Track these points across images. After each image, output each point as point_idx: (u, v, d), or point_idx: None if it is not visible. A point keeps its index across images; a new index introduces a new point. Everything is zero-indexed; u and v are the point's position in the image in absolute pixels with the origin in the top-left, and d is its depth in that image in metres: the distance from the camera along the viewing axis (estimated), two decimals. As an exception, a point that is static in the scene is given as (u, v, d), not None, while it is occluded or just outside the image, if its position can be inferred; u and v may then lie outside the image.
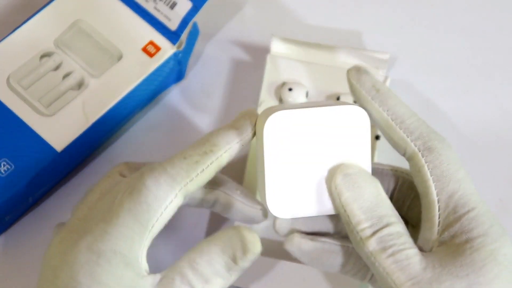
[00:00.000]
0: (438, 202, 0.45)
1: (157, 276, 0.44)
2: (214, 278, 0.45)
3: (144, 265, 0.45)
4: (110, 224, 0.44)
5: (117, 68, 0.58)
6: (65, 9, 0.60)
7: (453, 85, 0.64)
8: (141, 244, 0.44)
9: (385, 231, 0.44)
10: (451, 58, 0.65)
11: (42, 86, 0.58)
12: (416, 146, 0.46)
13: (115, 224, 0.44)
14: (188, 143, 0.60)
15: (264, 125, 0.45)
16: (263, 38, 0.64)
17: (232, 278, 0.46)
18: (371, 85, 0.47)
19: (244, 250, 0.46)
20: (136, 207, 0.44)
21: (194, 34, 0.62)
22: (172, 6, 0.59)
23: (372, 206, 0.45)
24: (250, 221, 0.51)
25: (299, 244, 0.47)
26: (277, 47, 0.62)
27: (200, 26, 0.63)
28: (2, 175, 0.54)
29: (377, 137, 0.59)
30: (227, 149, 0.47)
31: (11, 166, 0.55)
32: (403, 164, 0.48)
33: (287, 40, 0.62)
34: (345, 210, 0.45)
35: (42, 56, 0.59)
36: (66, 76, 0.58)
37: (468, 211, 0.44)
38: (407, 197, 0.50)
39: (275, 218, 0.47)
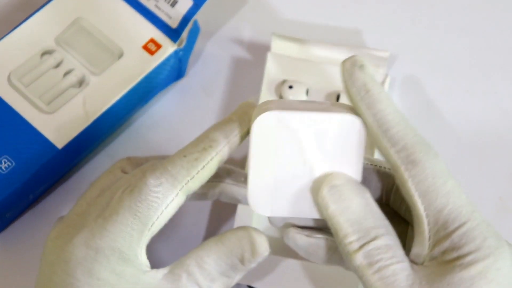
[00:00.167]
0: (427, 217, 0.43)
1: (161, 271, 0.44)
2: (220, 278, 0.45)
3: (144, 261, 0.44)
4: (109, 221, 0.44)
5: (117, 65, 0.58)
6: (66, 7, 0.60)
7: (453, 83, 0.64)
8: (140, 242, 0.44)
9: (372, 245, 0.43)
10: (451, 57, 0.65)
11: (43, 83, 0.58)
12: (399, 158, 0.44)
13: (114, 221, 0.44)
14: (188, 141, 0.60)
15: (253, 123, 0.44)
16: (264, 36, 0.64)
17: (237, 277, 0.46)
18: (362, 84, 0.44)
19: (253, 251, 0.45)
20: (137, 205, 0.44)
21: (194, 32, 0.62)
22: (173, 4, 0.59)
23: (359, 219, 0.43)
24: None
25: (294, 239, 0.47)
26: (278, 45, 0.62)
27: (201, 24, 0.63)
28: (3, 172, 0.54)
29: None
30: (226, 143, 0.46)
31: (11, 163, 0.55)
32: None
33: (287, 38, 0.62)
34: (332, 223, 0.44)
35: (43, 54, 0.59)
36: (67, 73, 0.58)
37: (459, 226, 0.43)
38: (404, 199, 0.48)
39: None
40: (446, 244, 0.43)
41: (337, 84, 0.61)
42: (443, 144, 0.61)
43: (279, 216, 0.46)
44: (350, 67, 0.45)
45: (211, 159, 0.46)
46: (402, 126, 0.44)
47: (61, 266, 0.44)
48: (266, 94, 0.60)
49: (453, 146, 0.61)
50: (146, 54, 0.59)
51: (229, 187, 0.51)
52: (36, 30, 0.59)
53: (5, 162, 0.55)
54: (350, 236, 0.43)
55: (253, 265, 0.46)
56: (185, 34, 0.60)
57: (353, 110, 0.45)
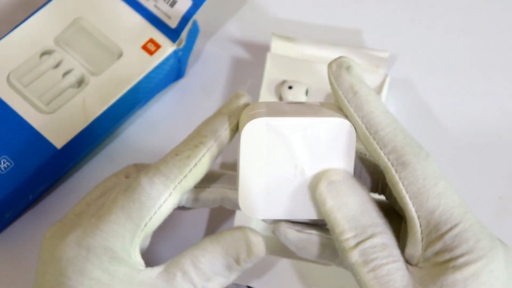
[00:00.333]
0: (419, 218, 0.43)
1: (155, 270, 0.44)
2: (215, 277, 0.45)
3: (138, 260, 0.44)
4: (102, 220, 0.44)
5: (117, 65, 0.58)
6: (65, 7, 0.60)
7: (453, 83, 0.64)
8: (133, 242, 0.44)
9: (368, 243, 0.42)
10: (451, 57, 0.65)
11: (42, 83, 0.58)
12: (389, 160, 0.43)
13: (107, 221, 0.44)
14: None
15: (242, 129, 0.44)
16: (263, 36, 0.64)
17: (232, 277, 0.46)
18: (349, 86, 0.44)
19: (249, 252, 0.45)
20: (130, 205, 0.44)
21: (194, 32, 0.62)
22: (172, 4, 0.59)
23: (356, 215, 0.43)
24: None
25: (285, 234, 0.46)
26: (277, 45, 0.62)
27: (200, 24, 0.63)
28: (2, 172, 0.54)
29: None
30: (217, 138, 0.46)
31: (11, 163, 0.55)
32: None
33: (287, 38, 0.62)
34: (329, 219, 0.44)
35: (43, 54, 0.59)
36: (66, 73, 0.58)
37: (451, 228, 0.42)
38: None
39: None
40: (438, 245, 0.42)
41: (337, 84, 0.61)
42: (443, 144, 0.61)
43: (269, 218, 0.46)
44: (336, 69, 0.45)
45: (202, 156, 0.45)
46: (391, 128, 0.44)
47: (53, 265, 0.44)
48: (265, 94, 0.60)
49: (453, 146, 0.61)
50: (145, 54, 0.59)
51: (231, 192, 0.50)
52: (36, 30, 0.59)
53: (4, 162, 0.55)
54: (346, 232, 0.43)
55: (249, 265, 0.46)
56: (184, 34, 0.60)
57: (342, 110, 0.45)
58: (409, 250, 0.44)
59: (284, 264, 0.55)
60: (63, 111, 0.57)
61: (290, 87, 0.60)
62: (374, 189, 0.48)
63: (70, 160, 0.57)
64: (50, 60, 0.58)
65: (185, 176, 0.45)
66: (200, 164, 0.45)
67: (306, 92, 0.60)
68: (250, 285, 0.54)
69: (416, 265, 0.43)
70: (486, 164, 0.61)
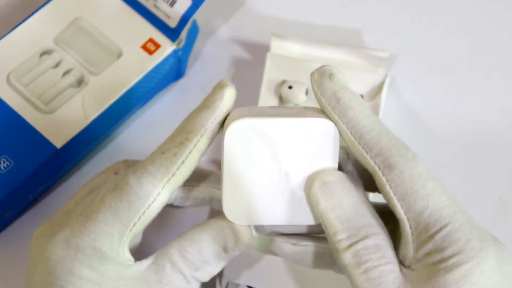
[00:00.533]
0: (408, 220, 0.43)
1: (144, 262, 0.44)
2: (204, 266, 0.45)
3: (127, 257, 0.44)
4: (90, 220, 0.44)
5: (116, 65, 0.58)
6: (65, 7, 0.60)
7: (453, 83, 0.64)
8: (121, 242, 0.44)
9: (362, 244, 0.42)
10: (451, 57, 0.65)
11: (42, 83, 0.58)
12: (376, 163, 0.43)
13: (95, 220, 0.44)
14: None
15: (225, 131, 0.44)
16: (263, 36, 0.64)
17: (221, 265, 0.46)
18: (332, 93, 0.44)
19: (236, 240, 0.45)
20: (117, 205, 0.44)
21: (193, 32, 0.62)
22: (172, 3, 0.59)
23: (350, 216, 0.43)
24: None
25: (280, 248, 0.47)
26: (277, 45, 0.62)
27: (200, 24, 0.63)
28: (2, 172, 0.54)
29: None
30: (203, 133, 0.45)
31: (10, 163, 0.55)
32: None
33: (287, 38, 0.62)
34: (323, 220, 0.43)
35: (42, 54, 0.59)
36: (65, 73, 0.58)
37: (441, 229, 0.42)
38: None
39: None
40: (429, 246, 0.42)
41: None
42: (443, 144, 0.61)
43: (257, 225, 0.46)
44: (318, 77, 0.45)
45: (189, 153, 0.45)
46: (376, 132, 0.44)
47: (42, 265, 0.44)
48: (265, 94, 0.60)
49: (453, 146, 0.61)
50: (145, 53, 0.59)
51: (219, 194, 0.50)
52: (35, 30, 0.59)
53: (4, 162, 0.55)
54: (339, 234, 0.43)
55: (236, 253, 0.46)
56: (184, 34, 0.60)
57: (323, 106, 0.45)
58: (401, 251, 0.44)
59: (284, 263, 0.55)
60: (63, 111, 0.57)
61: (290, 87, 0.60)
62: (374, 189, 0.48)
63: (69, 160, 0.57)
64: (50, 60, 0.58)
65: (173, 175, 0.44)
66: (188, 161, 0.45)
67: (306, 92, 0.60)
68: (250, 284, 0.54)
69: (409, 266, 0.43)
70: (486, 164, 0.61)
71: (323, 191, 0.44)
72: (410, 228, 0.43)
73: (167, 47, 0.59)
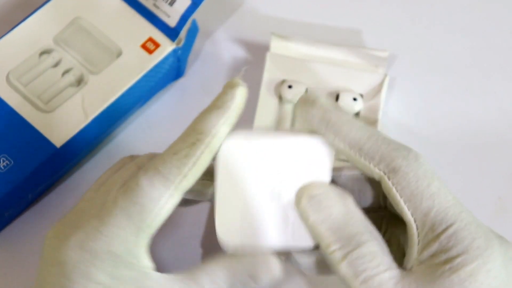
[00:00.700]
0: (415, 221, 0.43)
1: (166, 277, 0.43)
2: None
3: (146, 263, 0.44)
4: (103, 223, 0.43)
5: (116, 64, 0.58)
6: (64, 6, 0.60)
7: (452, 83, 0.64)
8: (137, 245, 0.43)
9: (356, 253, 0.42)
10: (451, 57, 0.65)
11: (41, 82, 0.58)
12: (380, 170, 0.44)
13: (108, 224, 0.43)
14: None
15: (219, 151, 0.44)
16: (263, 36, 0.64)
17: None
18: (320, 118, 0.45)
19: (266, 270, 0.45)
20: (130, 208, 0.43)
21: (193, 31, 0.62)
22: (171, 3, 0.60)
23: (341, 226, 0.43)
24: None
25: (296, 260, 0.47)
26: (277, 45, 0.62)
27: (200, 24, 0.63)
28: (2, 171, 0.54)
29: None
30: (215, 134, 0.44)
31: (10, 162, 0.55)
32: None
33: (286, 38, 0.62)
34: (314, 233, 0.43)
35: (42, 53, 0.59)
36: (65, 72, 0.58)
37: (446, 228, 0.42)
38: None
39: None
40: (434, 247, 0.42)
41: (337, 84, 0.61)
42: (442, 144, 0.61)
43: (248, 246, 0.45)
44: (302, 107, 0.45)
45: (201, 153, 0.44)
46: (373, 140, 0.44)
47: (57, 268, 0.43)
48: (265, 94, 0.60)
49: (452, 146, 0.61)
50: (144, 53, 0.59)
51: None
52: (35, 29, 0.59)
53: (3, 161, 0.55)
54: (332, 245, 0.43)
55: (265, 285, 0.45)
56: (183, 33, 0.60)
57: (316, 132, 0.45)
58: (408, 254, 0.44)
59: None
60: (63, 110, 0.57)
61: (289, 87, 0.60)
62: (377, 204, 0.48)
63: (69, 159, 0.57)
64: (49, 59, 0.58)
65: (184, 176, 0.44)
66: (199, 162, 0.44)
67: (306, 92, 0.60)
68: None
69: (411, 269, 0.43)
70: (486, 164, 0.61)
71: (311, 205, 0.43)
72: (417, 229, 0.43)
73: (167, 47, 0.59)
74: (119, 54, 0.59)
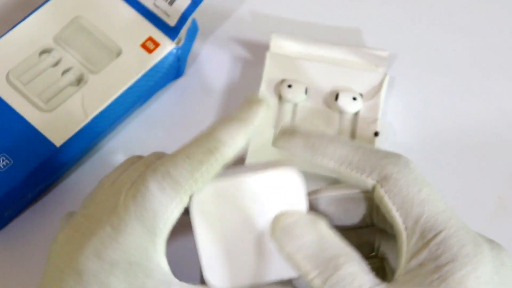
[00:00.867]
0: (406, 230, 0.43)
1: (187, 286, 0.43)
2: None
3: (167, 270, 0.43)
4: (118, 231, 0.42)
5: (116, 64, 0.58)
6: (64, 5, 0.60)
7: (452, 83, 0.64)
8: (156, 251, 0.43)
9: (336, 277, 0.41)
10: (451, 57, 0.65)
11: (41, 82, 0.58)
12: (373, 179, 0.44)
13: (123, 232, 0.42)
14: (186, 140, 0.60)
15: (191, 199, 0.44)
16: (263, 35, 0.64)
17: None
18: (304, 145, 0.45)
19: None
20: (142, 214, 0.42)
21: (193, 31, 0.62)
22: (171, 2, 0.60)
23: (316, 252, 0.42)
24: None
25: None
26: (277, 44, 0.62)
27: (199, 23, 0.63)
28: (1, 170, 0.54)
29: (376, 134, 0.59)
30: (232, 145, 0.44)
31: (10, 161, 0.55)
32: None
33: (286, 37, 0.62)
34: (292, 263, 0.43)
35: (42, 52, 0.59)
36: (65, 72, 0.58)
37: (435, 235, 0.42)
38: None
39: None
40: (423, 254, 0.42)
41: (336, 83, 0.61)
42: (442, 143, 0.61)
43: (241, 286, 0.45)
44: (283, 139, 0.46)
45: (215, 161, 0.44)
46: (361, 152, 0.45)
47: (73, 277, 0.43)
48: (265, 94, 0.60)
49: (452, 146, 0.61)
50: (144, 52, 0.59)
51: None
52: (35, 29, 0.59)
53: (3, 160, 0.55)
54: (311, 272, 0.42)
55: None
56: (183, 32, 0.60)
57: (286, 163, 0.45)
58: (398, 265, 0.43)
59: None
60: (62, 109, 0.57)
61: (289, 86, 0.60)
62: (364, 222, 0.48)
63: (69, 159, 0.57)
64: (49, 59, 0.58)
65: (195, 181, 0.43)
66: (212, 169, 0.44)
67: (306, 91, 0.60)
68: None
69: (397, 279, 0.42)
70: (485, 164, 0.61)
71: (283, 235, 0.43)
72: (407, 238, 0.43)
73: (167, 46, 0.59)
74: (119, 53, 0.59)
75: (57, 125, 0.56)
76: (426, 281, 0.41)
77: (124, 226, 0.42)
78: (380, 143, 0.59)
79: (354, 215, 0.48)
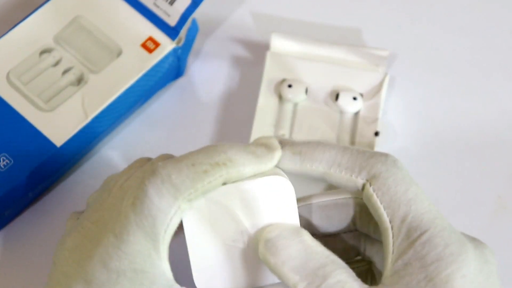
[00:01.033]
0: (392, 229, 0.43)
1: None
2: None
3: (170, 276, 0.43)
4: (122, 241, 0.42)
5: (116, 64, 0.58)
6: (64, 5, 0.60)
7: (452, 83, 0.64)
8: (160, 258, 0.42)
9: (325, 286, 0.41)
10: (451, 56, 0.65)
11: (41, 82, 0.58)
12: (363, 179, 0.44)
13: (127, 241, 0.42)
14: (187, 140, 0.61)
15: (183, 216, 0.43)
16: (263, 35, 0.64)
17: None
18: (291, 154, 0.45)
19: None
20: (142, 221, 0.42)
21: (193, 31, 0.62)
22: (171, 2, 0.60)
23: (302, 264, 0.42)
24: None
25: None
26: (277, 44, 0.62)
27: (200, 23, 0.63)
28: (2, 170, 0.54)
29: (376, 134, 0.59)
30: (240, 170, 0.43)
31: (10, 161, 0.55)
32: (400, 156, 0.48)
33: (287, 37, 0.62)
34: (279, 276, 0.42)
35: (42, 52, 0.59)
36: (65, 71, 0.58)
37: (421, 235, 0.42)
38: (370, 221, 0.47)
39: None
40: (409, 254, 0.42)
41: (337, 83, 0.61)
42: (442, 143, 0.61)
43: None
44: (269, 154, 0.45)
45: (220, 177, 0.43)
46: (348, 153, 0.45)
47: (82, 285, 0.43)
48: (265, 93, 0.60)
49: (452, 146, 0.61)
50: (144, 52, 0.59)
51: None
52: (35, 28, 0.59)
53: (3, 160, 0.55)
54: (299, 284, 0.42)
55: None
56: (183, 32, 0.60)
57: (275, 171, 0.45)
58: (384, 267, 0.43)
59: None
60: (63, 109, 0.57)
61: (289, 86, 0.60)
62: (347, 228, 0.48)
63: (69, 158, 0.57)
64: (50, 59, 0.58)
65: (195, 190, 0.43)
66: (214, 183, 0.43)
67: (306, 91, 0.60)
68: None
69: (384, 282, 0.42)
70: (485, 164, 0.61)
71: (268, 249, 0.43)
72: (393, 237, 0.43)
73: (167, 46, 0.59)
74: (119, 53, 0.59)
75: (58, 125, 0.56)
76: (413, 282, 0.41)
77: (126, 235, 0.42)
78: (380, 143, 0.59)
79: (337, 221, 0.48)
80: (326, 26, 0.66)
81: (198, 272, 0.44)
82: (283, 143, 0.46)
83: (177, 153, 0.50)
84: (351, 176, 0.44)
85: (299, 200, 0.47)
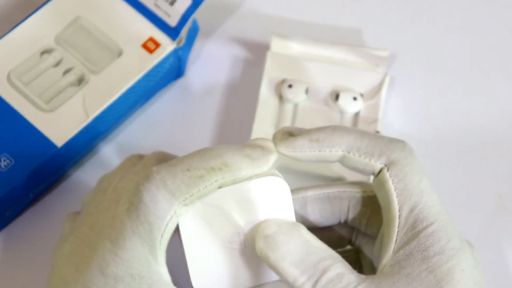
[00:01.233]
0: (399, 217, 0.43)
1: None
2: None
3: (168, 280, 0.43)
4: (118, 247, 0.42)
5: (117, 64, 0.58)
6: (65, 6, 0.60)
7: (452, 83, 0.64)
8: (157, 262, 0.42)
9: (325, 279, 0.41)
10: (451, 56, 0.65)
11: (42, 82, 0.58)
12: (381, 164, 0.44)
13: (123, 247, 0.42)
14: (187, 140, 0.61)
15: (179, 219, 0.43)
16: (263, 35, 0.64)
17: None
18: (309, 142, 0.45)
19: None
20: (139, 228, 0.42)
21: (193, 31, 0.62)
22: (172, 2, 0.60)
23: (302, 258, 0.42)
24: None
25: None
26: (277, 44, 0.62)
27: (200, 23, 0.63)
28: (2, 170, 0.54)
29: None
30: (236, 174, 0.43)
31: (11, 161, 0.55)
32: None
33: (287, 37, 0.62)
34: (278, 272, 0.43)
35: (43, 53, 0.59)
36: (66, 72, 0.58)
37: (426, 227, 0.42)
38: (363, 216, 0.47)
39: None
40: (412, 245, 0.42)
41: (337, 83, 0.61)
42: (442, 143, 0.61)
43: None
44: (285, 144, 0.45)
45: (215, 181, 0.43)
46: (367, 138, 0.45)
47: None
48: (265, 93, 0.60)
49: (452, 145, 0.61)
50: (145, 52, 0.59)
51: None
52: (36, 29, 0.59)
53: (4, 160, 0.55)
54: (299, 278, 0.42)
55: None
56: (184, 33, 0.60)
57: (270, 172, 0.45)
58: (382, 255, 0.43)
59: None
60: (63, 109, 0.57)
61: (290, 86, 0.60)
62: (338, 221, 0.48)
63: (70, 159, 0.57)
64: (50, 59, 0.58)
65: (191, 196, 0.42)
66: (210, 188, 0.43)
67: (306, 91, 0.60)
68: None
69: (383, 271, 0.43)
70: (486, 163, 0.61)
71: (267, 245, 0.43)
72: (398, 226, 0.43)
73: (168, 46, 0.59)
74: (119, 53, 0.59)
75: (58, 125, 0.56)
76: (414, 272, 0.42)
77: (122, 241, 0.42)
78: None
79: (329, 214, 0.48)
80: (326, 26, 0.66)
81: (196, 274, 0.44)
82: (299, 132, 0.45)
83: (177, 153, 0.50)
84: (370, 160, 0.44)
85: (293, 192, 0.47)
